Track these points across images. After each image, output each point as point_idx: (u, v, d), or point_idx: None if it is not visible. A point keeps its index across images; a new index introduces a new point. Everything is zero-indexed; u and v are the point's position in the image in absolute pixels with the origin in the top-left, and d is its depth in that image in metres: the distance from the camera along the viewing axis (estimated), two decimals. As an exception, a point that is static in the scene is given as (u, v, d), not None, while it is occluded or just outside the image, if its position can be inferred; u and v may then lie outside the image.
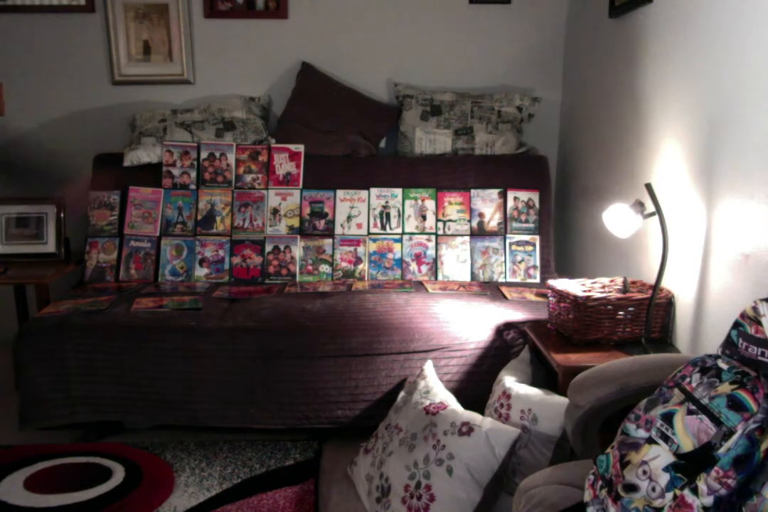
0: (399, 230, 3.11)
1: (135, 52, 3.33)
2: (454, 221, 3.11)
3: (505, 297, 2.74)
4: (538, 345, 2.24)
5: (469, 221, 3.10)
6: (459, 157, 3.21)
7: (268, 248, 3.07)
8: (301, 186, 3.14)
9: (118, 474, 2.26)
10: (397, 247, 3.08)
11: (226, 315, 2.52)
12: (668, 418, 1.19)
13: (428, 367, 2.32)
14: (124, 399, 2.42)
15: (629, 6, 2.49)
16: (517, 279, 3.04)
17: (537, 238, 3.08)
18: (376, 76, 3.41)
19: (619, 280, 2.29)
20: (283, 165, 3.15)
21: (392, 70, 3.40)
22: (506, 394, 2.11)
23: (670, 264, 2.06)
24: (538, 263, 3.06)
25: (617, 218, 2.17)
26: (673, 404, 1.21)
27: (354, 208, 3.12)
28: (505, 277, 3.04)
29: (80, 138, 3.37)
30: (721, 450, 1.09)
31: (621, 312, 2.13)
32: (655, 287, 2.05)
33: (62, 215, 3.12)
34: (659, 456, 1.17)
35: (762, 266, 1.68)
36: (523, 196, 3.11)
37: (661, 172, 2.25)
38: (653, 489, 1.15)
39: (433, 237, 3.09)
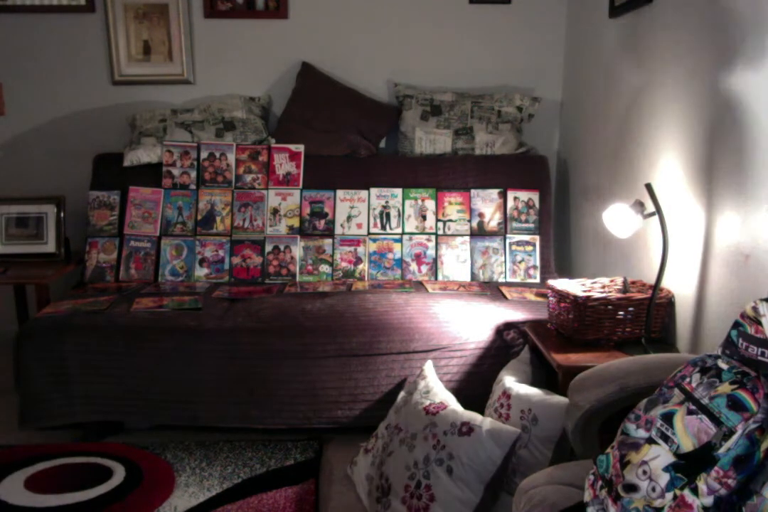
0: (399, 230, 3.11)
1: (135, 52, 3.33)
2: (454, 221, 3.11)
3: (505, 297, 2.74)
4: (538, 345, 2.24)
5: (469, 221, 3.10)
6: (459, 157, 3.21)
7: (268, 248, 3.07)
8: (301, 186, 3.14)
9: (119, 474, 2.26)
10: (397, 246, 3.08)
11: (226, 315, 2.52)
12: (668, 418, 1.19)
13: (428, 367, 2.32)
14: (124, 399, 2.42)
15: (629, 6, 2.49)
16: (517, 280, 3.04)
17: (537, 238, 3.08)
18: (376, 76, 3.41)
19: (619, 280, 2.29)
20: (283, 165, 3.15)
21: (392, 70, 3.40)
22: (506, 394, 2.11)
23: (670, 264, 2.06)
24: (538, 263, 3.06)
25: (617, 218, 2.17)
26: (673, 404, 1.21)
27: (354, 208, 3.11)
28: (505, 277, 3.04)
29: (80, 138, 3.37)
30: (721, 450, 1.09)
31: (621, 312, 2.13)
32: (655, 287, 2.05)
33: (62, 215, 3.12)
34: (659, 456, 1.17)
35: (762, 266, 1.68)
36: (523, 196, 3.11)
37: (661, 172, 2.25)
38: (653, 489, 1.15)
39: (433, 237, 3.09)
